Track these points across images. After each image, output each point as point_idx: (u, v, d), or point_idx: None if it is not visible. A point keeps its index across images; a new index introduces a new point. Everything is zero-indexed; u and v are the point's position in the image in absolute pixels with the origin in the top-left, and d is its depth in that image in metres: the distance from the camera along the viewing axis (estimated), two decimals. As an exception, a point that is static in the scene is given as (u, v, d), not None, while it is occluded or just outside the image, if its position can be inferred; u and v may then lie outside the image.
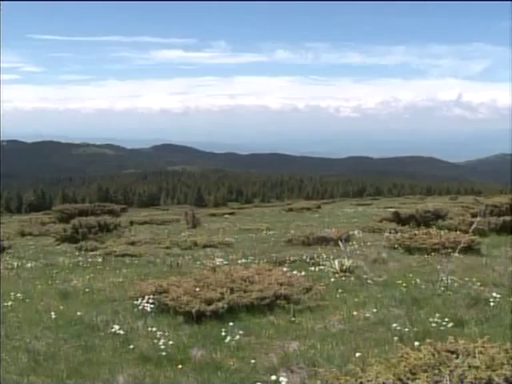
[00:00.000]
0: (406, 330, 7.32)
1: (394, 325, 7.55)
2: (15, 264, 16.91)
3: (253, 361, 6.56)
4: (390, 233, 19.69)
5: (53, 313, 9.22)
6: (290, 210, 52.11)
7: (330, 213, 44.99)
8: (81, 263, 16.41)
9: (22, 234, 32.63)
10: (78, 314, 9.15)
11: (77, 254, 19.72)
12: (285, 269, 11.12)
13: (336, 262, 12.14)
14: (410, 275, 11.10)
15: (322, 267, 12.53)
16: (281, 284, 9.19)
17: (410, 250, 15.10)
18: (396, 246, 15.85)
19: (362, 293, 9.80)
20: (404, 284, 10.14)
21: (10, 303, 10.42)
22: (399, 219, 24.33)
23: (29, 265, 16.78)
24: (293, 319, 8.24)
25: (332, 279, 11.04)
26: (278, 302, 8.82)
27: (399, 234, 17.89)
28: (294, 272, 10.65)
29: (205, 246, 19.80)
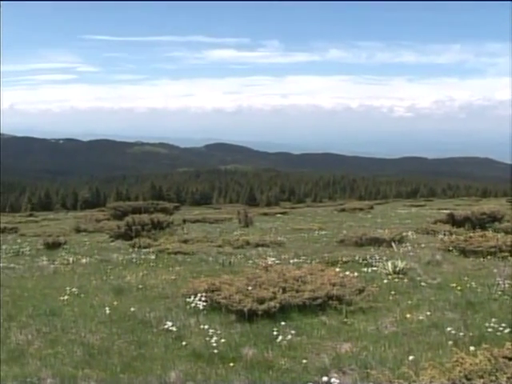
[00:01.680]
0: (461, 334, 7.17)
1: (449, 329, 7.41)
2: (71, 259, 17.26)
3: (304, 361, 6.52)
4: (445, 235, 19.41)
5: (107, 308, 9.36)
6: (343, 210, 51.81)
7: (383, 213, 44.56)
8: (134, 260, 16.63)
9: (78, 231, 33.29)
10: (132, 309, 9.28)
11: (130, 250, 19.99)
12: (337, 269, 11.04)
13: (389, 263, 12.03)
14: (465, 278, 10.90)
15: (374, 268, 12.42)
16: (333, 284, 9.13)
17: (465, 253, 14.84)
18: (450, 248, 15.59)
19: (415, 295, 9.67)
20: (459, 287, 9.97)
21: (65, 297, 10.64)
22: (454, 221, 23.91)
23: (84, 260, 17.09)
24: (345, 320, 8.18)
25: (385, 281, 10.92)
26: (331, 302, 8.77)
27: (454, 236, 17.62)
28: (347, 273, 10.57)
29: (257, 245, 19.83)
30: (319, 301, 8.68)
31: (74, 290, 11.32)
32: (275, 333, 7.55)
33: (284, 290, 8.82)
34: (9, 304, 10.46)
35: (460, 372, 4.57)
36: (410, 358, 6.13)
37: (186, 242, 21.41)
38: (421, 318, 8.14)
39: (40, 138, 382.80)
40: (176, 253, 17.90)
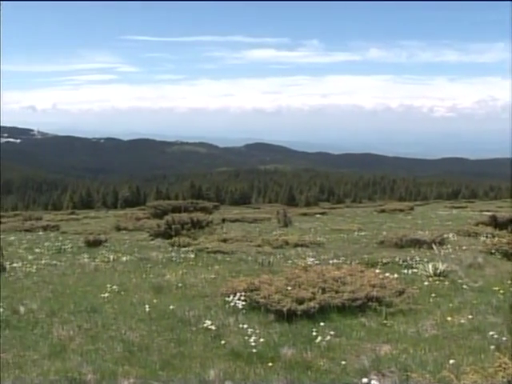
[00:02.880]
0: (504, 339, 7.05)
1: (491, 333, 7.28)
2: (111, 257, 17.46)
3: (343, 362, 6.49)
4: (487, 237, 19.13)
5: (147, 306, 9.44)
6: (382, 210, 51.36)
7: (424, 215, 44.05)
8: (174, 258, 16.75)
9: (118, 229, 33.63)
10: (171, 307, 9.35)
11: (170, 249, 20.12)
12: (377, 270, 10.97)
13: (430, 265, 11.90)
14: (509, 282, 10.71)
15: (415, 270, 12.30)
16: (373, 286, 9.07)
17: (508, 256, 14.59)
18: (493, 251, 15.34)
19: (456, 298, 9.54)
20: (501, 291, 9.80)
21: (106, 295, 10.78)
22: (496, 223, 23.53)
23: (124, 258, 17.27)
24: (385, 322, 8.12)
25: (425, 283, 10.81)
26: (370, 303, 8.72)
27: (496, 238, 17.35)
28: (387, 274, 10.48)
29: (296, 245, 19.80)
30: (359, 302, 8.64)
31: (114, 287, 11.45)
32: (314, 333, 7.54)
33: (323, 291, 8.79)
34: (51, 300, 10.64)
35: (503, 377, 4.50)
36: (451, 361, 6.06)
37: (225, 241, 21.47)
38: (462, 321, 8.03)
39: (81, 137, 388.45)
40: (215, 252, 17.96)
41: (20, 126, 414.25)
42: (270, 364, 6.53)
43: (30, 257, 18.85)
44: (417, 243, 17.89)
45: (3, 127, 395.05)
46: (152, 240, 24.73)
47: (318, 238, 22.29)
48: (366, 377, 5.93)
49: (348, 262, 14.17)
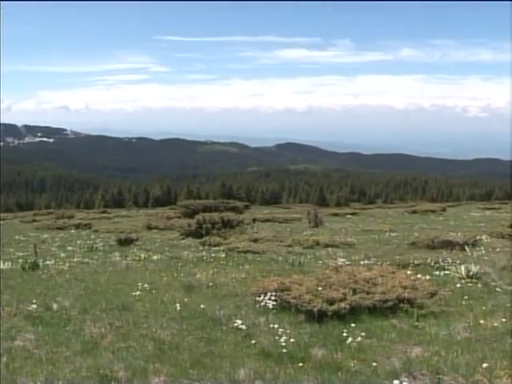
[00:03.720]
0: (538, 342, 6.95)
1: (525, 336, 7.19)
2: (142, 256, 17.61)
3: (374, 364, 6.44)
4: (521, 239, 18.84)
5: (177, 304, 9.49)
6: (414, 211, 51.01)
7: (456, 216, 43.65)
8: (204, 258, 16.82)
9: (149, 228, 33.87)
10: (202, 306, 9.38)
11: (200, 248, 20.22)
12: (408, 272, 10.88)
13: (462, 267, 11.76)
14: (543, 284, 10.56)
15: (447, 272, 12.18)
16: (404, 287, 9.00)
17: (542, 258, 14.37)
18: (527, 253, 15.14)
19: (489, 301, 9.41)
20: (536, 294, 9.67)
21: (137, 293, 10.87)
22: (530, 225, 23.21)
23: (155, 257, 17.40)
24: (416, 324, 8.04)
25: (458, 285, 10.69)
26: (401, 305, 8.65)
27: (531, 240, 17.09)
28: (418, 276, 10.40)
29: (326, 246, 19.77)
30: (390, 303, 8.58)
31: (145, 285, 11.54)
32: (345, 334, 7.50)
33: (354, 292, 8.75)
34: (83, 298, 10.76)
35: (537, 381, 4.43)
36: (484, 365, 5.97)
37: (255, 241, 21.52)
38: (495, 324, 7.92)
39: (114, 136, 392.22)
40: (246, 251, 18.01)
41: (53, 126, 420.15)
42: (301, 364, 6.51)
43: (62, 254, 19.11)
44: (449, 245, 17.74)
45: (37, 127, 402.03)
46: (183, 239, 24.88)
47: (349, 239, 22.22)
48: (397, 379, 5.88)
49: (379, 263, 14.09)
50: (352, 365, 6.47)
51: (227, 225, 26.27)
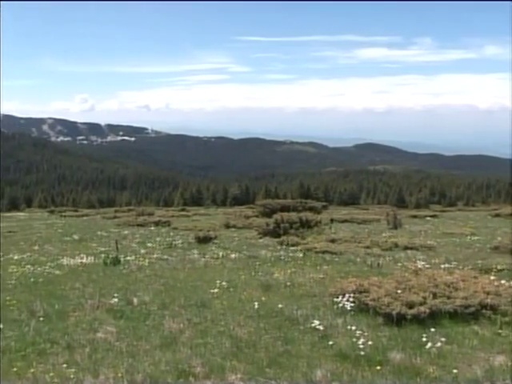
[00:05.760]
0: None
1: None
2: (220, 254, 17.78)
3: (454, 371, 6.29)
4: None
5: (255, 303, 9.54)
6: (497, 215, 49.54)
7: (542, 221, 42.13)
8: (282, 257, 16.83)
9: (227, 226, 34.12)
10: (279, 306, 9.40)
11: (278, 248, 20.23)
12: (492, 277, 10.57)
13: (548, 273, 11.35)
14: None
15: (532, 278, 11.77)
16: (487, 293, 8.75)
17: None
18: None
19: None
20: None
21: (215, 290, 10.99)
22: None
23: (233, 255, 17.53)
24: (499, 331, 7.81)
25: (544, 292, 10.31)
26: (484, 311, 8.41)
27: None
28: (502, 281, 10.09)
29: (406, 248, 19.44)
30: (472, 309, 8.36)
31: (223, 283, 11.65)
32: (424, 339, 7.35)
33: (434, 296, 8.58)
34: (163, 293, 10.96)
35: None
36: None
37: (333, 241, 21.38)
38: None
39: (193, 135, 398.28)
40: (323, 252, 17.92)
41: (135, 125, 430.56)
42: (378, 367, 6.43)
43: (142, 251, 19.50)
44: (534, 250, 17.15)
45: (119, 126, 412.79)
46: (260, 238, 24.94)
47: (429, 242, 21.78)
48: (479, 387, 5.73)
49: (460, 267, 13.76)
50: (431, 371, 6.35)
51: (305, 225, 26.18)
